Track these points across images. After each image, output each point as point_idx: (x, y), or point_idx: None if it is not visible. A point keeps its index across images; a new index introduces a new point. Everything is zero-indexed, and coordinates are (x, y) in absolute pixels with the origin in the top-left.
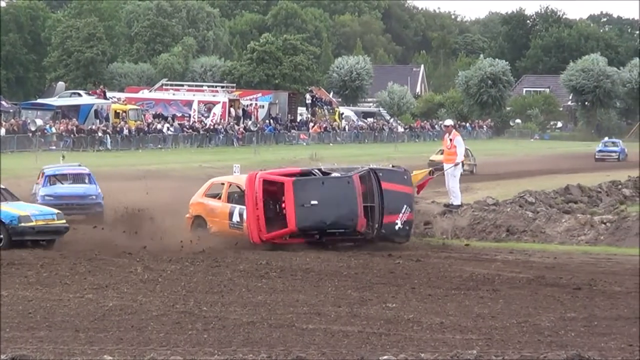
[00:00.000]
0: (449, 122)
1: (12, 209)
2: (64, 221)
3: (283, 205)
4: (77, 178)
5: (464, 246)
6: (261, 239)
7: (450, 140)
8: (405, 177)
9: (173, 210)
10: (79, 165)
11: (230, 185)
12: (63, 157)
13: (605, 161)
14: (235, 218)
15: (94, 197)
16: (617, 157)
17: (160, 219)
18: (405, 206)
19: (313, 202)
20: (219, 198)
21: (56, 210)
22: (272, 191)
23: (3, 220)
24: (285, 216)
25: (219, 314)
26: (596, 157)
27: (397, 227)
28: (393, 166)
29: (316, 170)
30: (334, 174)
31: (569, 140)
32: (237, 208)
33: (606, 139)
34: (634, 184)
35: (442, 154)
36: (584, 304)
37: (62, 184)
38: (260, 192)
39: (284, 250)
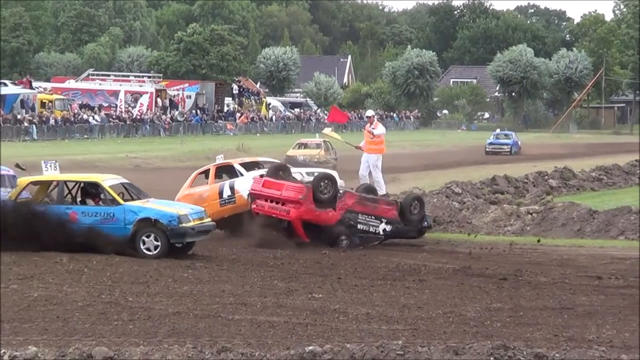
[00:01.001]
0: (370, 112)
1: (166, 207)
2: (210, 219)
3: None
4: None
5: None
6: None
7: (373, 129)
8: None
9: None
10: None
11: (217, 168)
12: None
13: (498, 155)
14: (226, 193)
15: None
16: (509, 150)
17: None
18: None
19: None
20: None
21: (202, 207)
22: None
23: (161, 221)
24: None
25: (144, 304)
26: (487, 149)
27: None
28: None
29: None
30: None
31: None
32: (227, 183)
33: (498, 130)
34: (561, 175)
35: (300, 148)
36: (510, 294)
37: None
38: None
39: (211, 240)
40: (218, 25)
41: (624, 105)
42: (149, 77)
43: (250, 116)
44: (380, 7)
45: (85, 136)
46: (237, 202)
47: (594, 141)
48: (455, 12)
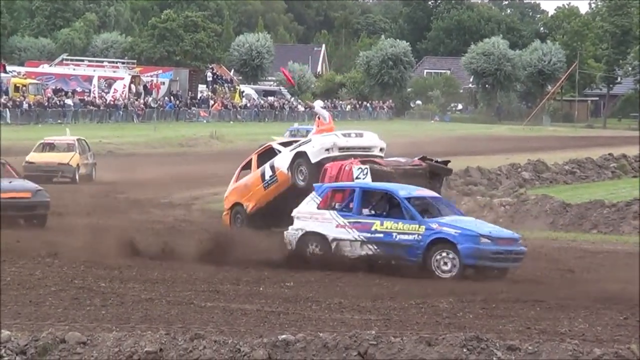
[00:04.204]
0: (319, 103)
1: None
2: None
3: None
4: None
5: None
6: None
7: (319, 118)
8: None
9: None
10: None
11: (258, 156)
12: None
13: None
14: (268, 174)
15: None
16: None
17: None
18: None
19: None
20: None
21: None
22: None
23: None
24: None
25: (117, 290)
26: None
27: None
28: None
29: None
30: None
31: (470, 122)
32: (267, 164)
33: (295, 125)
34: (534, 167)
35: (44, 150)
36: (482, 286)
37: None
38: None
39: None
40: (192, 12)
41: (597, 98)
42: (123, 63)
43: (224, 103)
44: None
45: (59, 121)
46: (279, 179)
47: (567, 134)
48: (430, 3)
